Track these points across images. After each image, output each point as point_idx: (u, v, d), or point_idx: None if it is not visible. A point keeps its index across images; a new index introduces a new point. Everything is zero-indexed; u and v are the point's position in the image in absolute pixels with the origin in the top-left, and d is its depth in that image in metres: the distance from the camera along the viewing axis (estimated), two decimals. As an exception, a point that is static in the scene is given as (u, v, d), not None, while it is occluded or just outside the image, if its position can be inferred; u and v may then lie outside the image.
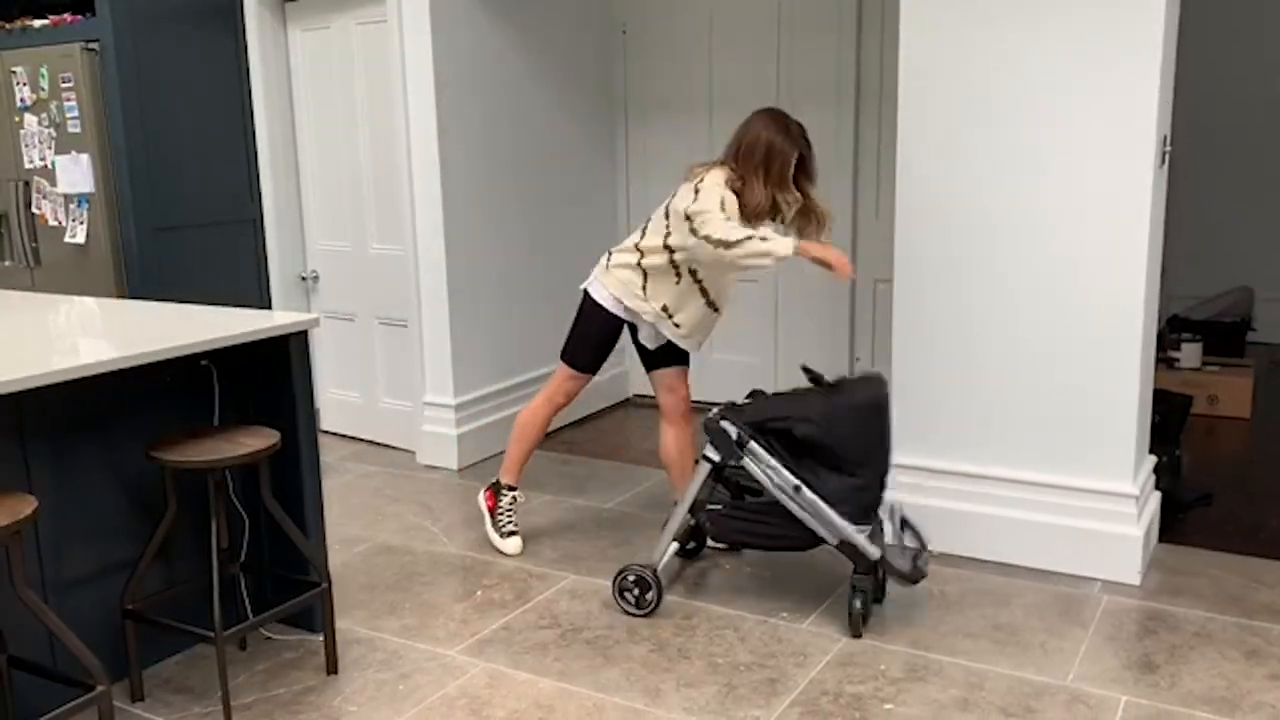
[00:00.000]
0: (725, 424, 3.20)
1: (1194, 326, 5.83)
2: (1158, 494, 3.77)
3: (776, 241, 3.14)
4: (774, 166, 3.34)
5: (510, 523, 3.84)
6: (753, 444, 3.16)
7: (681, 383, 3.70)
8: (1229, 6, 6.43)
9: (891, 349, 3.72)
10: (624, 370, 5.77)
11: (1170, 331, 5.67)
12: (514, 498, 3.85)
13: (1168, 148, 3.40)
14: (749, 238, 3.15)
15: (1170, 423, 4.05)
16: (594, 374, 3.71)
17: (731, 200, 3.34)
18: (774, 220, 3.46)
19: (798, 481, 3.10)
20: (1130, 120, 3.22)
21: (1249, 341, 6.05)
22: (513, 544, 3.82)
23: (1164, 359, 5.24)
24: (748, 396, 3.37)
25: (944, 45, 3.45)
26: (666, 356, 3.66)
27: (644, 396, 5.79)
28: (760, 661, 3.04)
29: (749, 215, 3.39)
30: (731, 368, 5.47)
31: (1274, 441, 4.98)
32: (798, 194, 3.40)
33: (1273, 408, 5.41)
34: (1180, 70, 3.52)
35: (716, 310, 3.59)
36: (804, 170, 3.42)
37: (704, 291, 3.51)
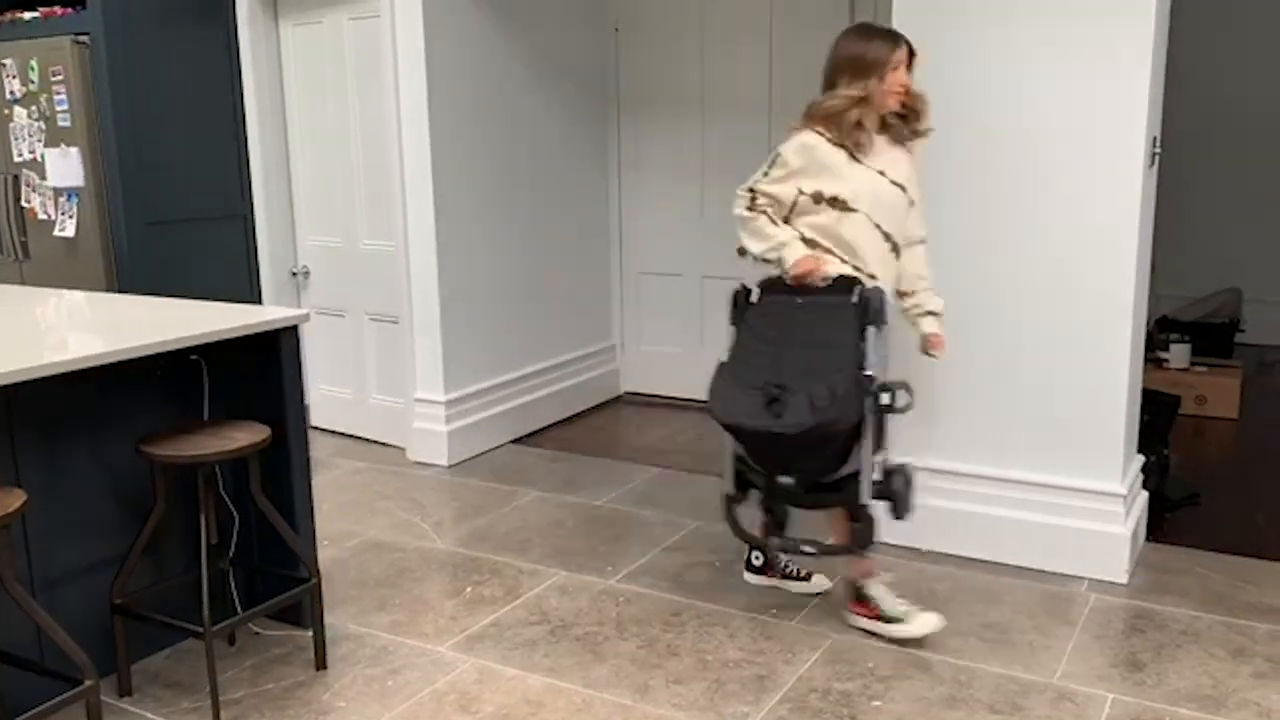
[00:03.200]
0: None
1: (1183, 327, 5.85)
2: (1145, 493, 3.78)
3: (786, 244, 2.99)
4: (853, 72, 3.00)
5: (899, 603, 3.15)
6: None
7: None
8: (1219, 10, 6.46)
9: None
10: (615, 368, 5.77)
11: (1159, 332, 5.69)
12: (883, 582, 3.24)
13: (1157, 149, 3.41)
14: (752, 219, 3.04)
15: (1158, 423, 4.07)
16: None
17: (792, 149, 3.00)
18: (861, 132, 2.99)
19: None
20: (1120, 121, 3.24)
21: (1237, 342, 6.07)
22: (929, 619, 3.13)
23: (1153, 359, 5.25)
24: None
25: (934, 45, 3.45)
26: None
27: (635, 394, 5.80)
28: (749, 658, 3.04)
29: (835, 124, 2.98)
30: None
31: (1261, 442, 5.01)
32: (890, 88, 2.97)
33: (1260, 408, 5.44)
34: (1170, 71, 3.53)
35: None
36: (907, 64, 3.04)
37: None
